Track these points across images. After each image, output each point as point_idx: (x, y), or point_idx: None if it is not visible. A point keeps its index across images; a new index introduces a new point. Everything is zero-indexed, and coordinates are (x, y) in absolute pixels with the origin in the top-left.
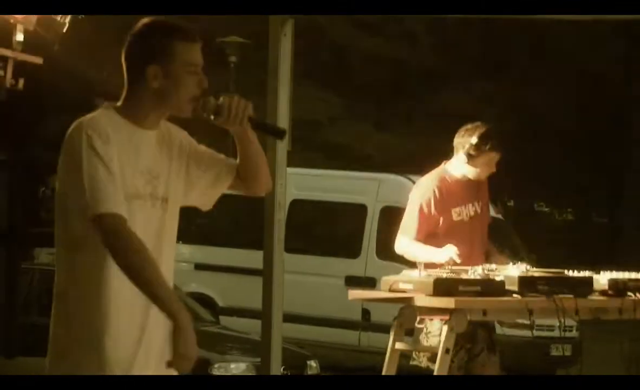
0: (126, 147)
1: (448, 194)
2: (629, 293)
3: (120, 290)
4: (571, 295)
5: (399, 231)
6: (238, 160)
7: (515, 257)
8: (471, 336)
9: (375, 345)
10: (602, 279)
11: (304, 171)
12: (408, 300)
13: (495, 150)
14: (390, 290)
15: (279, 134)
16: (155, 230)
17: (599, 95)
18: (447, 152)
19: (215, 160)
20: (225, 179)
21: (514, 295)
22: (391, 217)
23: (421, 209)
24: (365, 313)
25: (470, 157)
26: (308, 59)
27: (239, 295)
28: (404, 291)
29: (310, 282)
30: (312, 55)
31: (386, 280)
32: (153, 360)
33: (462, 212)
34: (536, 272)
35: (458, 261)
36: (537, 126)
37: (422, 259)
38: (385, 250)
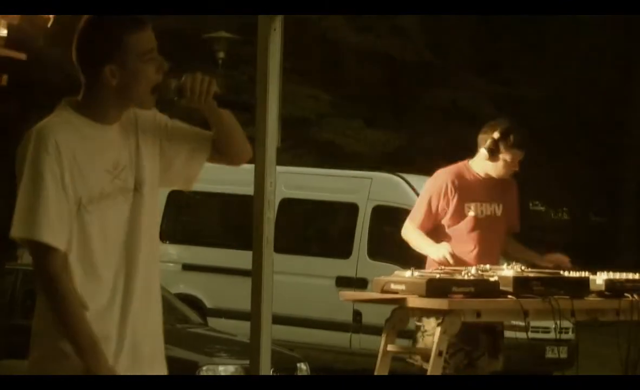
0: (87, 148)
1: (463, 189)
2: (627, 294)
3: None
4: (567, 296)
5: (408, 217)
6: (214, 135)
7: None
8: (472, 339)
9: (366, 348)
10: (599, 279)
11: (294, 169)
12: (400, 302)
13: (518, 147)
14: (382, 292)
15: (247, 107)
16: (129, 224)
17: (597, 92)
18: (439, 149)
19: (190, 134)
20: (203, 154)
21: (509, 296)
22: (383, 216)
23: (430, 200)
24: (357, 314)
25: (491, 153)
26: (297, 55)
27: (227, 296)
28: (396, 292)
29: (300, 283)
30: (302, 52)
31: (378, 281)
32: (138, 358)
33: (477, 209)
34: (531, 272)
35: (450, 261)
36: (532, 123)
37: (416, 248)
38: (377, 250)
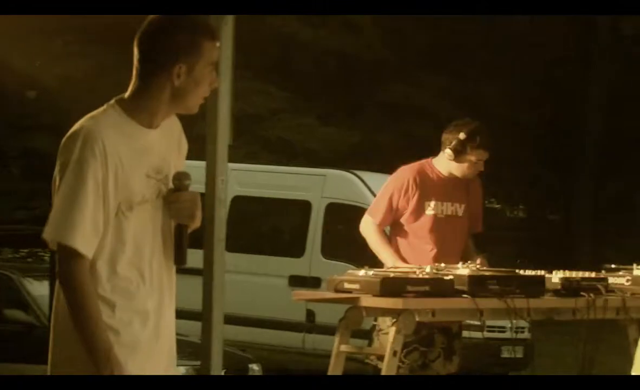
0: (131, 152)
1: (424, 186)
2: (583, 293)
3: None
4: (523, 295)
5: (367, 211)
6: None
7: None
8: (428, 340)
9: (320, 348)
10: (555, 278)
11: (247, 167)
12: (354, 301)
13: (484, 148)
14: (336, 291)
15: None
16: (165, 225)
17: (553, 90)
18: (394, 146)
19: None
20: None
21: (464, 295)
22: (337, 214)
23: (392, 196)
24: (310, 314)
25: (457, 154)
26: (249, 51)
27: (177, 295)
28: (349, 291)
29: (252, 282)
30: (254, 48)
31: (331, 280)
32: (159, 358)
33: (437, 208)
34: (486, 271)
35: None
36: (488, 120)
37: (373, 249)
38: (331, 248)
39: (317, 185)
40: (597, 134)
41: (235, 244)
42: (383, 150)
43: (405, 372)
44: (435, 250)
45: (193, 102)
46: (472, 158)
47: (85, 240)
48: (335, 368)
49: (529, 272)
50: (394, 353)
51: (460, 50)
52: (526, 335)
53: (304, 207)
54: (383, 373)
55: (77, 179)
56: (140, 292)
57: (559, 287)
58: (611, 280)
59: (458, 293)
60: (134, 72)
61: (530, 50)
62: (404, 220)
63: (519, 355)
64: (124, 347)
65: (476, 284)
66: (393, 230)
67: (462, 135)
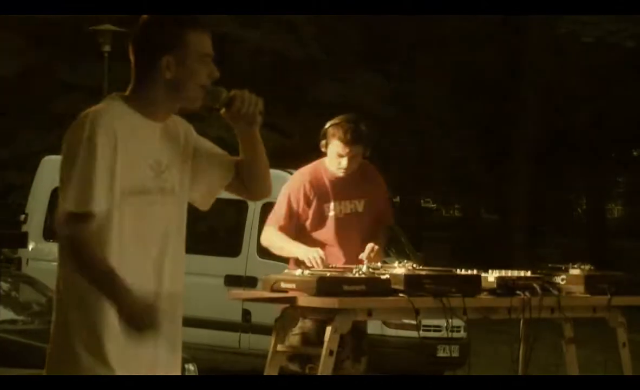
0: (134, 140)
1: (320, 189)
2: (518, 292)
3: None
4: (459, 295)
5: (266, 223)
6: (241, 159)
7: (401, 256)
8: (340, 341)
9: (256, 348)
10: (491, 277)
11: None
12: (290, 301)
13: (340, 140)
14: (272, 290)
15: (286, 132)
16: (164, 225)
17: (487, 90)
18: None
19: (219, 156)
20: (227, 178)
21: (400, 294)
22: None
23: (289, 202)
24: (246, 314)
25: (323, 146)
26: None
27: None
28: (286, 291)
29: (188, 281)
30: None
31: (267, 279)
32: (162, 357)
33: (336, 208)
34: (423, 270)
35: (320, 264)
36: (424, 120)
37: (279, 251)
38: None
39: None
40: (532, 133)
41: None
42: (318, 149)
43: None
44: (342, 251)
45: (190, 94)
46: (333, 151)
47: (98, 201)
48: (271, 368)
49: (464, 272)
50: (330, 352)
51: (394, 49)
52: (462, 334)
53: (240, 207)
54: (320, 373)
55: (89, 156)
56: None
57: (495, 286)
58: (546, 279)
59: (394, 292)
60: (131, 72)
61: (465, 48)
62: (307, 225)
63: (455, 354)
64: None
65: (412, 283)
66: (298, 238)
67: (327, 125)
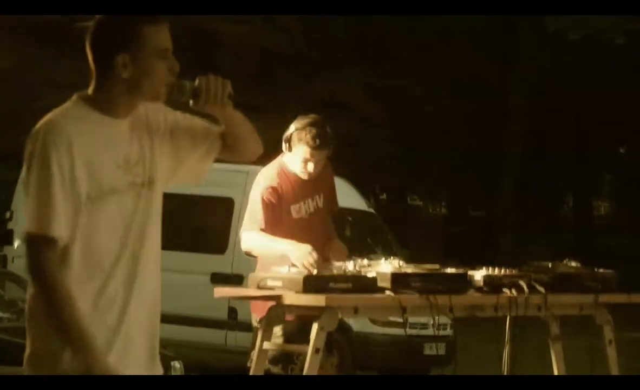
0: (97, 142)
1: (286, 190)
2: (505, 289)
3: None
4: (445, 292)
5: (242, 228)
6: (223, 131)
7: (388, 253)
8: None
9: (242, 345)
10: (478, 275)
11: None
12: (277, 298)
13: (307, 146)
14: (258, 288)
15: (258, 108)
16: (139, 219)
17: (476, 87)
18: None
19: (200, 131)
20: (213, 151)
21: (387, 292)
22: None
23: (267, 202)
24: (232, 311)
25: (287, 146)
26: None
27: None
28: (272, 289)
29: (174, 279)
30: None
31: (254, 277)
32: (132, 354)
33: (301, 209)
34: (409, 268)
35: (311, 262)
36: (411, 116)
37: (273, 252)
38: None
39: (239, 182)
40: (519, 130)
41: None
42: None
43: (297, 372)
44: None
45: (151, 90)
46: (299, 155)
47: (60, 225)
48: (257, 365)
49: (451, 269)
50: (316, 350)
51: (384, 46)
52: (448, 332)
53: (227, 204)
54: (305, 372)
55: (42, 171)
56: (113, 284)
57: (481, 283)
58: (533, 277)
59: (381, 290)
60: (90, 72)
61: (454, 46)
62: (274, 228)
63: (442, 352)
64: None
65: (399, 281)
66: None
67: (292, 127)
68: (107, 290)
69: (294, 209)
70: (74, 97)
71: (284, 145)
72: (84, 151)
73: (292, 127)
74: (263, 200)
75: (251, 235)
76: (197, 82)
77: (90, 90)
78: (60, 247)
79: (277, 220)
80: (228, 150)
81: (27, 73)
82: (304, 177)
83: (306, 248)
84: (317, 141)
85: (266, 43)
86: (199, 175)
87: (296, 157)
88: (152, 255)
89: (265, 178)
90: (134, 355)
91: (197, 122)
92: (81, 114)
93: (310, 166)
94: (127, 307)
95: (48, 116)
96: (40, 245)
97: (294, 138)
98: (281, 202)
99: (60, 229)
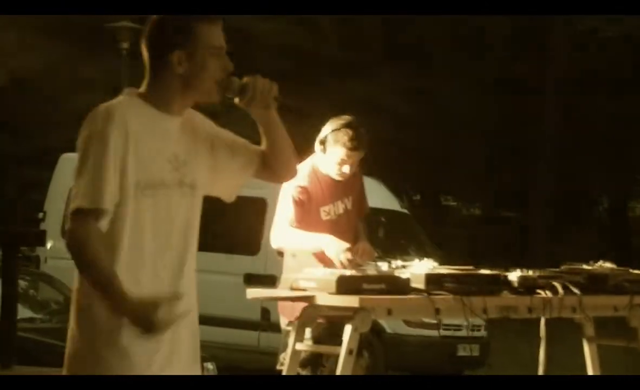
0: (151, 134)
1: (317, 191)
2: (539, 290)
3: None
4: (479, 293)
5: (273, 226)
6: (264, 147)
7: (421, 254)
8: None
9: (275, 346)
10: (512, 276)
11: None
12: (310, 299)
13: (344, 147)
14: (292, 289)
15: (301, 112)
16: (184, 219)
17: (510, 85)
18: None
19: (240, 147)
20: (250, 168)
21: (420, 293)
22: None
23: (297, 201)
24: (265, 312)
25: (322, 148)
26: None
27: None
28: (305, 289)
29: (207, 280)
30: None
31: (287, 278)
32: (177, 355)
33: (330, 211)
34: (443, 269)
35: (347, 259)
36: (444, 116)
37: (308, 247)
38: None
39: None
40: (554, 130)
41: None
42: None
43: (327, 372)
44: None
45: (204, 88)
46: (336, 157)
47: (109, 198)
48: (290, 366)
49: (485, 270)
50: (350, 352)
51: (417, 47)
52: (482, 333)
53: (260, 204)
54: (338, 372)
55: (99, 148)
56: (158, 280)
57: (515, 284)
58: (567, 278)
59: (414, 291)
60: (145, 69)
61: (487, 45)
62: (304, 228)
63: (475, 353)
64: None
65: (432, 282)
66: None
67: (328, 128)
68: (154, 287)
69: (323, 210)
70: (126, 92)
71: (319, 147)
72: (138, 140)
73: (328, 129)
74: (294, 198)
75: (283, 231)
76: (245, 79)
77: (143, 88)
78: (104, 222)
79: (306, 219)
80: (265, 168)
81: (58, 73)
82: (339, 178)
83: (343, 245)
84: (354, 143)
85: (299, 42)
86: (232, 191)
87: (331, 159)
88: (194, 257)
89: (296, 177)
90: (179, 357)
91: (239, 139)
92: (137, 106)
93: (346, 168)
94: (175, 308)
95: (104, 104)
96: (88, 218)
97: (330, 139)
98: (311, 202)
99: (108, 202)
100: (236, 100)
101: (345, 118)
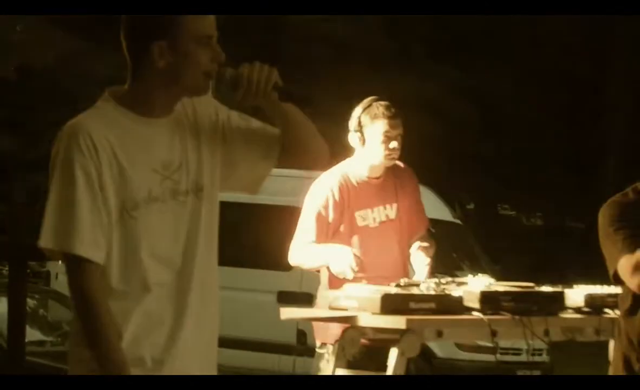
0: (129, 144)
1: (350, 195)
2: (607, 310)
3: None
4: (541, 314)
5: (293, 242)
6: (280, 133)
7: (476, 269)
8: (380, 362)
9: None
10: (577, 294)
11: None
12: (351, 320)
13: (384, 118)
14: (330, 308)
15: (310, 101)
16: (185, 233)
17: (572, 86)
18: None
19: (257, 133)
20: (271, 156)
21: (474, 313)
22: None
23: (319, 214)
24: (301, 335)
25: (360, 137)
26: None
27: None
28: (346, 309)
29: (235, 298)
30: (240, 34)
31: (325, 295)
32: (190, 359)
33: (367, 217)
34: (500, 286)
35: (352, 273)
36: (502, 118)
37: (317, 265)
38: None
39: (306, 190)
40: (620, 133)
41: (218, 257)
42: None
43: None
44: (374, 262)
45: (190, 81)
46: (378, 135)
47: (87, 243)
48: None
49: (547, 288)
50: None
51: (468, 40)
52: (544, 357)
53: (293, 214)
54: None
55: (65, 178)
56: (154, 301)
57: (582, 304)
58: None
59: (468, 311)
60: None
61: (546, 40)
62: (335, 238)
63: None
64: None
65: (488, 301)
66: None
67: (357, 112)
68: (151, 311)
69: (359, 215)
70: (105, 94)
71: (355, 138)
72: (112, 156)
73: (358, 112)
74: (316, 212)
75: (297, 248)
76: (239, 69)
77: (126, 85)
78: (98, 268)
79: (333, 232)
80: (287, 155)
81: (70, 68)
82: (389, 162)
83: (345, 252)
84: (392, 110)
85: (341, 35)
86: (254, 183)
87: (374, 142)
88: (206, 272)
89: (321, 187)
90: (192, 357)
91: (254, 123)
92: (110, 114)
93: (394, 143)
94: (180, 331)
95: (73, 119)
96: (75, 264)
97: (366, 120)
98: (343, 209)
99: (86, 247)
100: (237, 96)
101: (369, 97)
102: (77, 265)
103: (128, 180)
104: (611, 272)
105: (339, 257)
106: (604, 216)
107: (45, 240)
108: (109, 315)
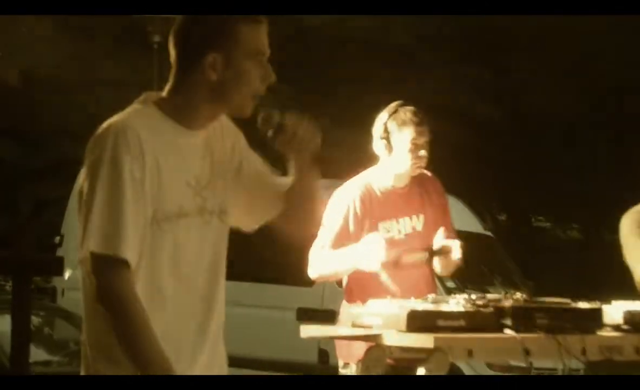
0: (169, 154)
1: (373, 206)
2: None
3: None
4: (577, 331)
5: (311, 251)
6: (287, 187)
7: (508, 284)
8: None
9: None
10: (615, 310)
11: None
12: (375, 338)
13: (411, 124)
14: (354, 326)
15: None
16: (210, 252)
17: (613, 86)
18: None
19: (268, 177)
20: (275, 207)
21: (507, 330)
22: None
23: (339, 224)
24: (323, 354)
25: (386, 145)
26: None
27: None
28: (370, 327)
29: (253, 315)
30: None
31: (348, 312)
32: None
33: (392, 228)
34: (534, 302)
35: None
36: (536, 124)
37: (342, 270)
38: None
39: (327, 200)
40: None
41: (233, 271)
42: None
43: None
44: (399, 276)
45: (239, 100)
46: (406, 142)
47: (132, 247)
48: None
49: (584, 304)
50: None
51: (497, 39)
52: None
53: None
54: None
55: (114, 179)
56: (172, 321)
57: (621, 321)
58: None
59: (499, 328)
60: (171, 71)
61: (583, 40)
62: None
63: None
64: None
65: (521, 318)
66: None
67: (383, 118)
68: (170, 336)
69: (383, 227)
70: (142, 97)
71: (381, 145)
72: (155, 164)
73: (384, 118)
74: (337, 223)
75: (317, 259)
76: (286, 119)
77: (165, 92)
78: (131, 272)
79: (356, 240)
80: (282, 216)
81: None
82: (418, 170)
83: (372, 240)
84: (420, 115)
85: (358, 34)
86: (255, 222)
87: (401, 151)
88: (223, 298)
89: (342, 197)
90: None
91: (266, 166)
92: (153, 118)
93: (423, 151)
94: (199, 355)
95: (116, 117)
96: (110, 266)
97: (392, 127)
98: (364, 221)
99: (131, 251)
100: (268, 135)
101: (394, 103)
102: (113, 268)
103: (164, 192)
104: (637, 280)
105: (367, 251)
106: (624, 226)
107: (96, 244)
108: (147, 316)
